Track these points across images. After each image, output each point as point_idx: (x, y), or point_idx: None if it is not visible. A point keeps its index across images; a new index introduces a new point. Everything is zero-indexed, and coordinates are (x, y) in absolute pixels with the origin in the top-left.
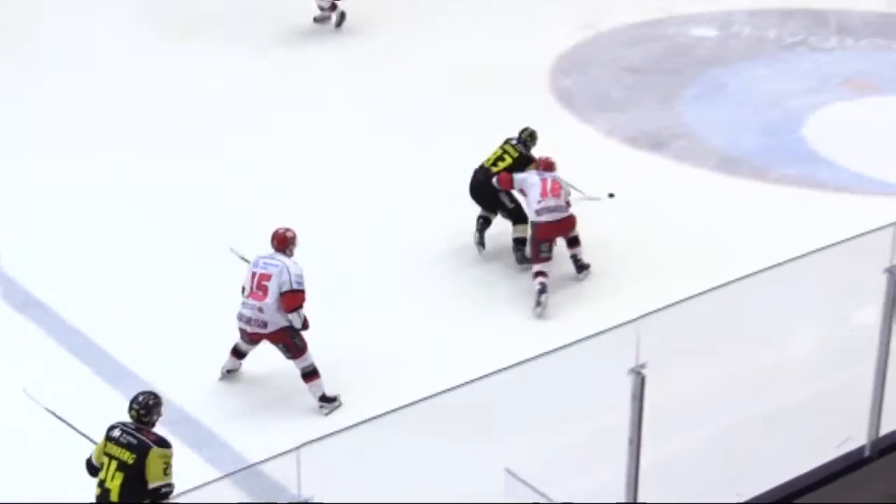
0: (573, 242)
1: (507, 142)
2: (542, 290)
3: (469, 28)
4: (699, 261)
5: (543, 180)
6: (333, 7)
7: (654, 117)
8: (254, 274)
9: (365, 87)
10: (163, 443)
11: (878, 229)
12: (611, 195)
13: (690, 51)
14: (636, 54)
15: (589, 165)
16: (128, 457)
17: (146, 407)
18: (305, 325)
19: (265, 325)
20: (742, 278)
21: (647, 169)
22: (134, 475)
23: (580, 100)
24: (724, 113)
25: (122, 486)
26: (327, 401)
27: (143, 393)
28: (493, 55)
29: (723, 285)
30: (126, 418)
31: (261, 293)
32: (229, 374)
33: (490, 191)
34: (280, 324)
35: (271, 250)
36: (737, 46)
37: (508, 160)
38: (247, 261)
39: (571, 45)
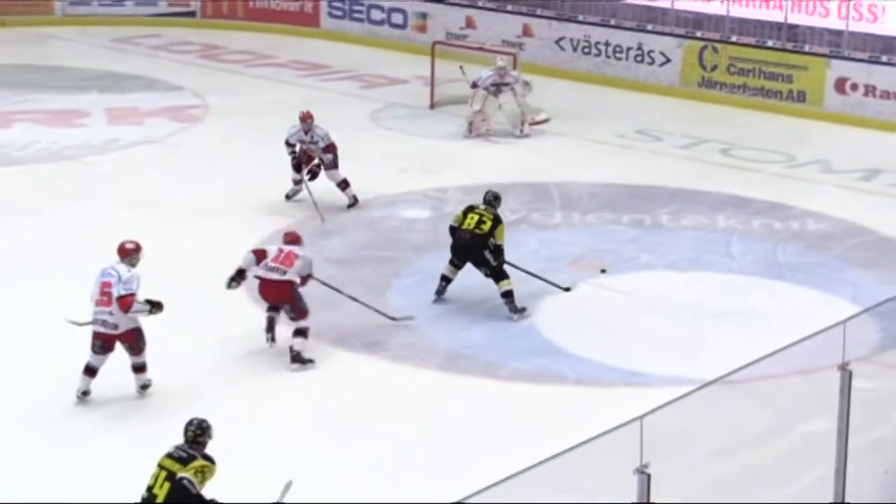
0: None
1: (476, 208)
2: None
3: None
4: (433, 470)
5: (280, 249)
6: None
7: (365, 314)
8: (99, 283)
9: None
10: (209, 459)
11: (626, 424)
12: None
13: (400, 236)
14: (338, 243)
15: (297, 374)
16: (176, 468)
17: (201, 428)
18: (156, 307)
19: (116, 327)
20: (486, 489)
21: (363, 373)
22: None
23: None
24: (444, 305)
25: (168, 495)
26: (144, 387)
27: (196, 418)
28: (167, 251)
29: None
30: None
31: (105, 299)
32: (85, 395)
33: (479, 250)
34: (129, 326)
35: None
36: None
37: (489, 222)
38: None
39: (263, 236)
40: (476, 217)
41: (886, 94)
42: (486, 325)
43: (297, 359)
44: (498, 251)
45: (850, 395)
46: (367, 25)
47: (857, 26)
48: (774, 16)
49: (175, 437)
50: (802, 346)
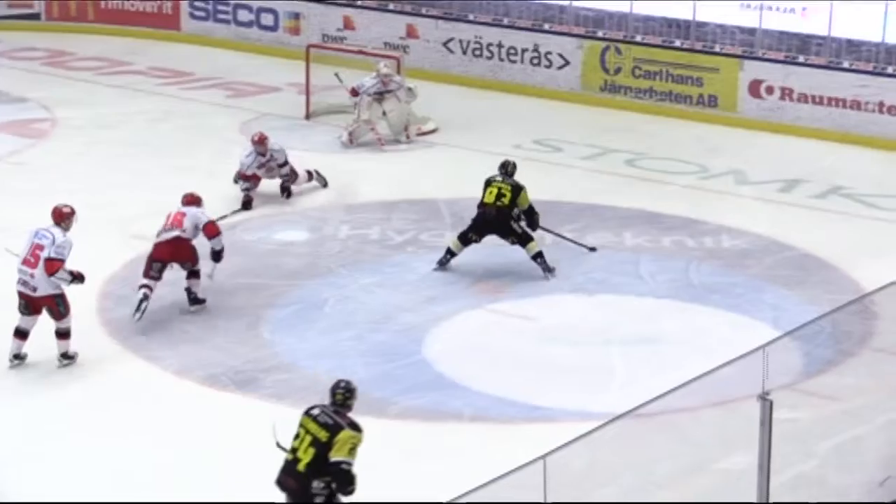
0: (192, 274)
1: (493, 180)
2: (145, 298)
3: None
4: None
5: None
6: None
7: (238, 349)
8: (31, 244)
9: None
10: (356, 427)
11: (529, 464)
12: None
13: (276, 261)
14: (206, 271)
15: (159, 413)
16: (322, 435)
17: (349, 391)
18: (78, 278)
19: (35, 289)
20: None
21: (234, 413)
22: (323, 452)
23: (139, 332)
24: (325, 337)
25: (312, 461)
26: (68, 357)
27: (344, 380)
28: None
29: None
30: None
31: (33, 260)
32: (17, 358)
33: (505, 223)
34: (48, 291)
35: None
36: (332, 251)
37: (508, 194)
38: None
39: (122, 263)
40: (495, 190)
41: (805, 98)
42: (372, 357)
43: (196, 300)
44: (530, 213)
45: (772, 427)
46: (233, 27)
47: (770, 23)
48: (682, 12)
49: None
50: (719, 374)
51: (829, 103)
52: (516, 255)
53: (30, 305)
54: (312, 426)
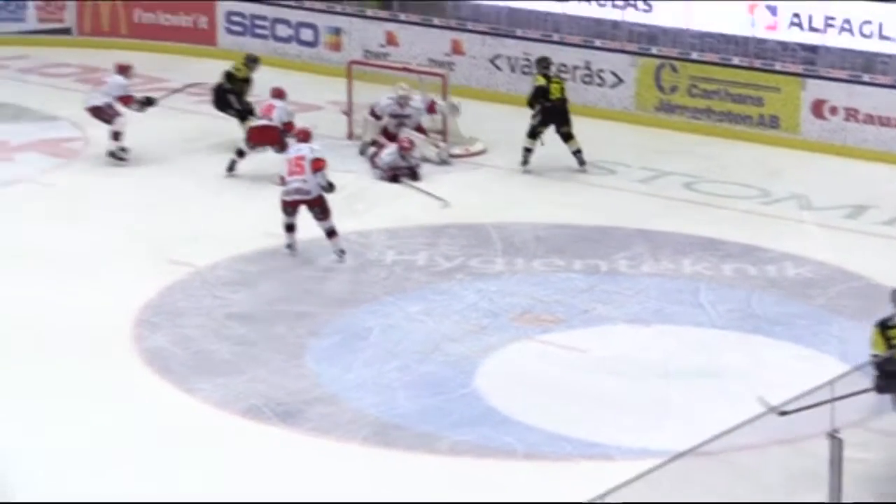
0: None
1: (551, 78)
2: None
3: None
4: None
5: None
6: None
7: (279, 380)
8: (289, 160)
9: None
10: None
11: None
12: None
13: (318, 287)
14: (246, 296)
15: (199, 446)
16: None
17: None
18: (331, 187)
19: (308, 192)
20: None
21: (278, 449)
22: None
23: (177, 362)
24: (370, 368)
25: None
26: (343, 252)
27: None
28: (45, 309)
29: None
30: None
31: (299, 170)
32: (290, 248)
33: (567, 112)
34: (318, 191)
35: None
36: (377, 278)
37: (563, 86)
38: None
39: (158, 289)
40: (559, 85)
41: (870, 119)
42: (419, 390)
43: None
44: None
45: (842, 467)
46: (271, 43)
47: (833, 40)
48: (741, 28)
49: None
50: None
51: None
52: (566, 283)
53: (297, 209)
54: None
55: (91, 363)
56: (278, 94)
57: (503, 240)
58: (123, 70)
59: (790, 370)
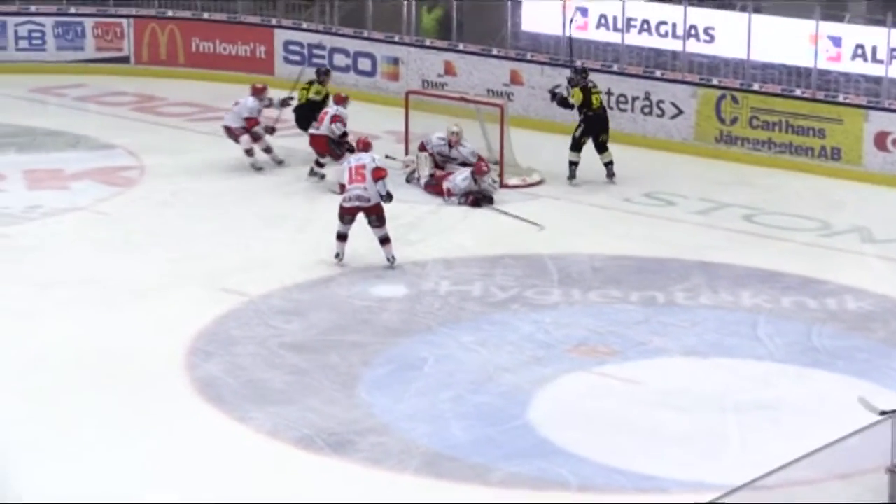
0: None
1: (591, 88)
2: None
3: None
4: None
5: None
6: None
7: (331, 409)
8: (350, 168)
9: None
10: None
11: None
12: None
13: (372, 317)
14: (299, 326)
15: (251, 476)
16: None
17: None
18: (389, 197)
19: (368, 200)
20: None
21: (330, 479)
22: None
23: (230, 391)
24: (423, 398)
25: None
26: (393, 258)
27: None
28: (99, 337)
29: None
30: None
31: (360, 178)
32: (338, 257)
33: (607, 121)
34: (377, 199)
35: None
36: (431, 308)
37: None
38: None
39: (211, 318)
40: (598, 96)
41: None
42: (472, 421)
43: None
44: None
45: None
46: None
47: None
48: (803, 59)
49: None
50: (844, 445)
51: None
52: (622, 315)
53: (354, 217)
54: None
55: (144, 391)
56: (338, 100)
57: (559, 270)
58: (258, 92)
59: (850, 404)
